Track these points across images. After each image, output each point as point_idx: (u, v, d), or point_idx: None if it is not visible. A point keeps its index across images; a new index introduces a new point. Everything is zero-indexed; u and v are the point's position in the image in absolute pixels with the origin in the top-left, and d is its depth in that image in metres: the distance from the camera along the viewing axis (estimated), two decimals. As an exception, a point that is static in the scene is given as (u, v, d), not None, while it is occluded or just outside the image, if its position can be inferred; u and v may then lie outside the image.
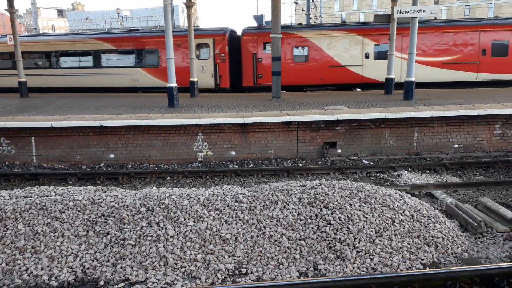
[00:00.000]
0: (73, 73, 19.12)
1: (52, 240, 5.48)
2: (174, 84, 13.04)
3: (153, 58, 18.59)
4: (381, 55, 17.51)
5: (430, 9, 13.55)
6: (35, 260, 5.21)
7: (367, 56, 17.79)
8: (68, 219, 5.77)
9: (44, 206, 5.92)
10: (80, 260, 5.22)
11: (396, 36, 15.63)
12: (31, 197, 6.58)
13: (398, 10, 13.44)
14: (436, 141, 11.36)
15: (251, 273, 5.03)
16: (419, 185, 8.67)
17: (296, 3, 40.89)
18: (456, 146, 11.41)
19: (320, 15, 36.36)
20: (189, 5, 16.47)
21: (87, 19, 63.21)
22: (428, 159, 10.88)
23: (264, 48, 18.06)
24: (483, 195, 8.18)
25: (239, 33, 18.97)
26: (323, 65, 17.97)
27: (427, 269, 5.07)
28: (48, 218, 5.75)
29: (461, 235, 5.96)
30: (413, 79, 13.68)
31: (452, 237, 5.78)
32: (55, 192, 6.93)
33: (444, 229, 5.83)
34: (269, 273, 5.02)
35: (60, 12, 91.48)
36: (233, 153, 11.07)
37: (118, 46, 18.85)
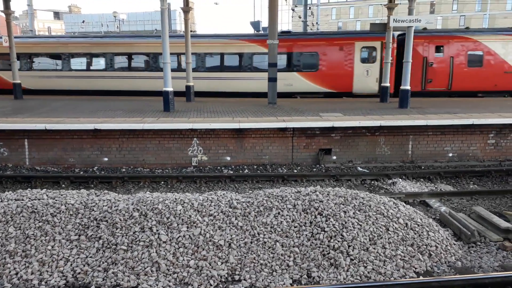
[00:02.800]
0: (219, 77, 18.38)
1: (43, 244, 5.41)
2: (170, 89, 13.03)
3: (311, 62, 17.81)
4: None
5: (425, 19, 13.67)
6: (25, 264, 5.14)
7: None
8: (60, 222, 5.70)
9: (36, 209, 5.85)
10: (71, 264, 5.15)
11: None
12: (22, 200, 6.50)
13: (394, 19, 13.55)
14: (431, 150, 11.42)
15: (244, 280, 4.99)
16: (414, 193, 8.68)
17: (293, 10, 41.20)
18: (450, 154, 11.46)
19: (317, 23, 36.60)
20: (186, 10, 16.50)
21: (83, 21, 63.12)
22: (423, 168, 10.91)
23: (437, 51, 17.49)
24: (476, 204, 8.20)
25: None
26: (498, 71, 17.39)
27: (421, 277, 5.07)
28: (39, 222, 5.68)
29: (454, 244, 5.96)
30: (408, 87, 13.76)
31: (446, 245, 5.78)
32: (47, 195, 6.86)
33: (438, 238, 5.83)
34: (262, 280, 4.98)
35: (57, 15, 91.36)
36: (228, 158, 11.04)
37: None
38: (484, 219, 6.76)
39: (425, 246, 5.60)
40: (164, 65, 12.80)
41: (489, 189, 9.14)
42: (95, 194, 7.33)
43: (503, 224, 6.33)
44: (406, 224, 5.88)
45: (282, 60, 17.86)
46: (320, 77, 17.69)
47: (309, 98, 17.40)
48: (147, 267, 5.05)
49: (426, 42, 17.56)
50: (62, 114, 12.28)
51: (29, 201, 6.19)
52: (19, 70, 17.77)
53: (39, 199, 6.51)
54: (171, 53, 12.90)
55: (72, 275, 5.02)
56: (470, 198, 8.59)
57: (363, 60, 17.64)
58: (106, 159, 10.88)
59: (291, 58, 18.09)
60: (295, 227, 5.71)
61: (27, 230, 5.56)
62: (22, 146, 10.79)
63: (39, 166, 10.82)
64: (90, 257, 5.25)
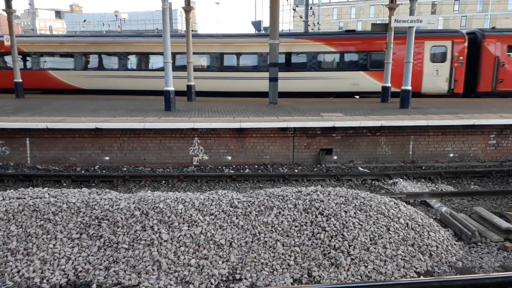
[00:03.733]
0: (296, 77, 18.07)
1: (45, 242, 5.42)
2: (171, 88, 13.05)
3: (379, 60, 17.38)
4: None
5: (426, 19, 13.69)
6: (27, 262, 5.16)
7: None
8: (61, 221, 5.72)
9: (38, 208, 5.87)
10: (72, 263, 5.17)
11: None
12: (24, 198, 6.52)
13: (395, 20, 13.55)
14: (432, 150, 11.42)
15: (245, 279, 5.00)
16: (414, 193, 8.69)
17: (294, 10, 41.19)
18: (451, 155, 11.46)
19: (318, 23, 36.58)
20: (187, 9, 16.51)
21: (85, 21, 63.14)
22: (424, 168, 10.91)
23: (509, 51, 17.26)
24: (477, 204, 8.20)
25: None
26: None
27: (421, 277, 5.07)
28: (41, 220, 5.70)
29: (455, 244, 5.96)
30: (409, 87, 13.77)
31: (447, 246, 5.78)
32: (48, 194, 6.87)
33: (439, 238, 5.84)
34: (263, 279, 4.99)
35: (58, 14, 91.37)
36: (229, 158, 11.05)
37: (339, 48, 17.96)
38: (485, 220, 6.76)
39: (425, 246, 5.60)
40: (165, 64, 12.81)
41: (490, 190, 9.14)
42: (97, 193, 7.34)
43: (504, 224, 6.33)
44: (407, 224, 5.89)
45: (348, 59, 17.84)
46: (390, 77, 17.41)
47: (373, 98, 17.23)
48: (148, 265, 5.06)
49: (498, 42, 17.28)
50: (63, 113, 12.30)
51: (30, 199, 6.21)
52: (74, 70, 18.04)
53: (40, 198, 6.53)
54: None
55: (74, 273, 5.03)
56: (471, 198, 8.59)
57: (433, 60, 17.41)
58: (107, 158, 10.90)
59: (358, 57, 17.89)
60: (296, 226, 5.72)
61: (29, 228, 5.57)
62: (23, 145, 10.81)
63: (41, 165, 10.85)
64: (92, 255, 5.27)
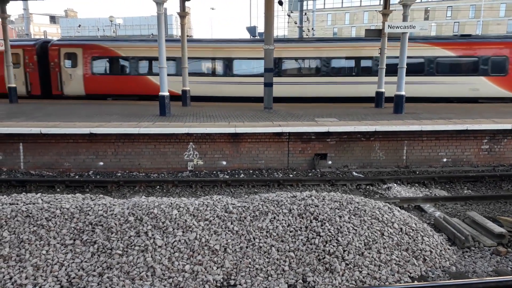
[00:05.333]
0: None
1: (38, 248, 5.38)
2: (166, 93, 13.04)
3: (500, 66, 17.39)
4: None
5: (420, 25, 13.80)
6: (19, 269, 5.10)
7: None
8: (54, 227, 5.68)
9: (31, 213, 5.82)
10: (66, 269, 5.12)
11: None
12: (17, 204, 6.46)
13: (389, 26, 13.69)
14: (425, 155, 11.49)
15: (240, 284, 4.99)
16: (408, 198, 8.73)
17: (289, 15, 41.37)
18: (444, 160, 11.54)
19: (312, 28, 36.80)
20: (182, 15, 16.55)
21: (79, 26, 63.03)
22: (417, 173, 10.97)
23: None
24: (470, 209, 8.26)
25: None
26: None
27: (415, 282, 5.09)
28: (34, 226, 5.65)
29: (449, 249, 5.99)
30: (403, 93, 13.87)
31: (440, 250, 5.81)
32: (42, 199, 6.82)
33: (433, 243, 5.87)
34: (258, 285, 4.99)
35: (53, 19, 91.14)
36: (224, 163, 11.05)
37: (458, 52, 17.75)
38: (478, 224, 6.81)
39: (419, 251, 5.63)
40: (160, 69, 12.81)
41: (483, 194, 9.20)
42: (91, 198, 7.30)
43: (497, 229, 6.38)
44: (401, 229, 5.91)
45: (468, 64, 17.72)
46: (510, 82, 17.32)
47: (495, 103, 17.10)
48: (142, 271, 5.03)
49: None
50: (57, 118, 12.24)
51: (23, 205, 6.16)
52: (176, 76, 17.54)
53: (34, 203, 6.47)
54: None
55: (67, 279, 4.99)
56: (464, 203, 8.64)
57: None
58: (101, 163, 10.85)
59: (478, 62, 17.71)
60: (290, 231, 5.72)
61: (22, 234, 5.53)
62: (17, 150, 10.74)
63: (34, 170, 10.78)
64: (85, 261, 5.23)
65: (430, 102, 17.72)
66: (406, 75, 17.06)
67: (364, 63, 18.42)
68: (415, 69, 17.83)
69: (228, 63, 18.64)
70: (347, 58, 18.48)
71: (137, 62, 18.86)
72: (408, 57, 17.60)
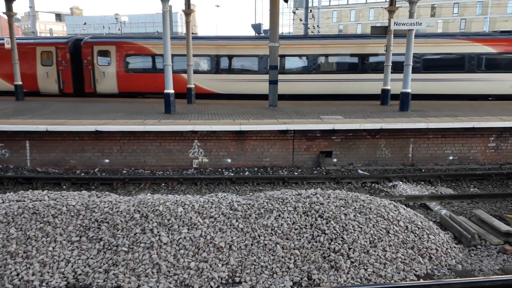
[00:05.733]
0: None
1: (44, 245, 5.42)
2: (171, 91, 13.06)
3: None
4: None
5: (426, 22, 13.71)
6: (26, 265, 5.15)
7: None
8: (61, 224, 5.72)
9: (37, 210, 5.87)
10: (72, 266, 5.16)
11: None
12: (24, 201, 6.51)
13: (395, 22, 13.60)
14: (431, 153, 11.42)
15: (245, 282, 5.00)
16: (414, 196, 8.69)
17: (294, 13, 41.27)
18: (451, 158, 11.47)
19: (318, 25, 36.65)
20: (187, 12, 16.55)
21: (85, 23, 63.25)
22: (423, 171, 10.91)
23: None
24: (477, 207, 8.21)
25: None
26: None
27: (421, 280, 5.07)
28: (40, 223, 5.69)
29: (455, 247, 5.96)
30: (409, 90, 13.78)
31: (446, 248, 5.78)
32: (48, 196, 6.86)
33: (438, 241, 5.84)
34: (263, 282, 4.99)
35: (58, 16, 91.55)
36: (229, 160, 11.06)
37: (499, 49, 17.42)
38: (485, 222, 6.76)
39: (425, 249, 5.60)
40: (165, 67, 12.84)
41: (489, 193, 9.15)
42: (96, 195, 7.33)
43: (504, 227, 6.34)
44: (407, 227, 5.89)
45: (509, 61, 17.50)
46: None
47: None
48: (148, 268, 5.06)
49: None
50: (64, 116, 12.31)
51: (30, 202, 6.21)
52: (208, 73, 17.55)
53: (40, 200, 6.52)
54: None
55: (73, 276, 5.03)
56: (471, 201, 8.59)
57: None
58: (107, 160, 10.90)
59: None
60: (295, 229, 5.72)
61: (28, 231, 5.57)
62: (23, 147, 10.81)
63: (40, 168, 10.85)
64: (91, 258, 5.27)
65: (468, 100, 17.44)
66: (446, 72, 16.98)
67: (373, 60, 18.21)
68: (455, 66, 17.66)
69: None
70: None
71: (172, 60, 18.65)
72: (448, 54, 17.42)
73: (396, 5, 15.72)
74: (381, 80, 16.14)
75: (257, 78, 18.20)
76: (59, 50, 18.95)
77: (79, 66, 19.07)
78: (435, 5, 65.16)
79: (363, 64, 18.17)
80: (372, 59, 18.13)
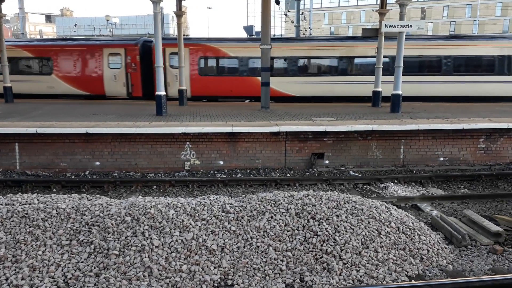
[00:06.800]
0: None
1: (34, 249, 5.35)
2: (163, 92, 13.01)
3: None
4: None
5: (416, 24, 13.81)
6: (15, 270, 5.07)
7: None
8: (51, 227, 5.65)
9: (27, 214, 5.79)
10: (62, 270, 5.10)
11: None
12: (13, 204, 6.42)
13: (385, 25, 13.69)
14: (422, 154, 11.51)
15: (237, 284, 4.98)
16: (405, 197, 8.74)
17: (285, 15, 41.45)
18: (441, 159, 11.57)
19: (309, 28, 36.79)
20: (179, 14, 16.51)
21: (75, 25, 62.80)
22: (414, 172, 10.99)
23: None
24: (467, 208, 8.28)
25: None
26: None
27: (413, 281, 5.09)
28: (30, 227, 5.62)
29: (446, 248, 6.01)
30: (400, 92, 13.88)
31: (437, 249, 5.82)
32: (38, 199, 6.78)
33: (430, 242, 5.88)
34: (255, 284, 4.98)
35: (48, 18, 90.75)
36: (221, 162, 11.03)
37: None
38: (475, 223, 6.83)
39: (416, 250, 5.64)
40: (156, 69, 12.78)
41: (479, 193, 9.23)
42: (87, 198, 7.26)
43: (494, 227, 6.40)
44: (398, 228, 5.92)
45: None
46: None
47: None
48: (139, 272, 5.01)
49: None
50: (54, 118, 12.19)
51: (19, 205, 6.12)
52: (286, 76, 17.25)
53: (29, 204, 6.44)
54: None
55: (63, 280, 4.97)
56: (461, 202, 8.66)
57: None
58: (98, 163, 10.81)
59: None
60: (288, 231, 5.72)
61: (18, 235, 5.49)
62: (12, 150, 10.68)
63: (30, 170, 10.72)
64: (82, 262, 5.21)
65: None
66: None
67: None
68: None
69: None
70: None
71: (247, 63, 18.00)
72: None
73: (387, 8, 15.84)
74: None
75: (336, 80, 17.98)
76: (129, 52, 18.03)
77: (148, 69, 18.15)
78: (425, 8, 65.84)
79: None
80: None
